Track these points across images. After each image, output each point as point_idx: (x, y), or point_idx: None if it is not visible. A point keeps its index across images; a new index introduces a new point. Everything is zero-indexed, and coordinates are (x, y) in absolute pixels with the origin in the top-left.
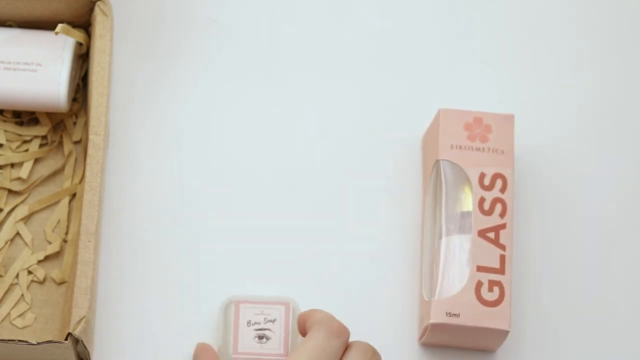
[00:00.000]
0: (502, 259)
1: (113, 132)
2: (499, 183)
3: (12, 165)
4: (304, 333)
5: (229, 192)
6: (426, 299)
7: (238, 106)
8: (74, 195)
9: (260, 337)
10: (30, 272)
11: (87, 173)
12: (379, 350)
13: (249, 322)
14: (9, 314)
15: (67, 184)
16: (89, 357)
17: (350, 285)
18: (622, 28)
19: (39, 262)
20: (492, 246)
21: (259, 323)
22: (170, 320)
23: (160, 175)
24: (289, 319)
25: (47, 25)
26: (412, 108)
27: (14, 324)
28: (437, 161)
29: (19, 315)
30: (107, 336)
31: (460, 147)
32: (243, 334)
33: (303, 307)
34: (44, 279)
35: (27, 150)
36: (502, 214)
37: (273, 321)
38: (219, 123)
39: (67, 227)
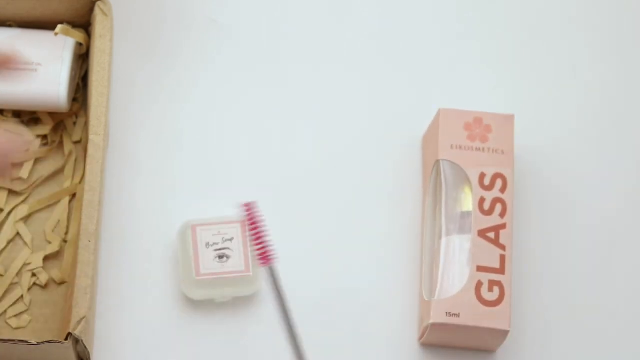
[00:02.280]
0: (502, 259)
1: (113, 132)
2: (499, 183)
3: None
4: None
5: (229, 192)
6: (426, 299)
7: (238, 106)
8: (74, 195)
9: (221, 257)
10: (34, 275)
11: (87, 173)
12: (379, 350)
13: (207, 244)
14: (5, 311)
15: (67, 184)
16: (89, 357)
17: (350, 285)
18: (622, 28)
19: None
20: (492, 246)
21: (217, 243)
22: (170, 320)
23: (160, 175)
24: (246, 236)
25: (47, 25)
26: (412, 108)
27: (8, 323)
28: (437, 161)
29: (15, 316)
30: (107, 336)
31: (460, 147)
32: (203, 256)
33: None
34: (46, 284)
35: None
36: (502, 214)
37: (231, 240)
38: (219, 123)
39: (67, 227)
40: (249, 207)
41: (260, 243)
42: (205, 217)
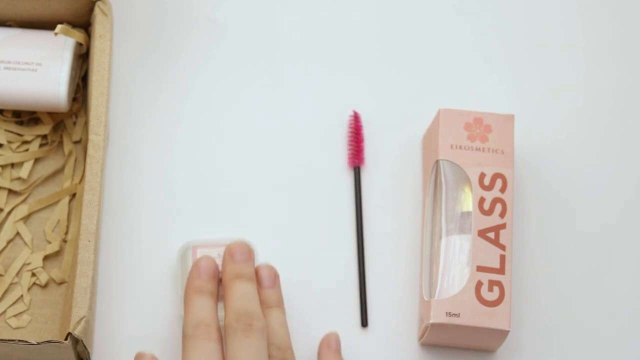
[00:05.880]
0: (502, 259)
1: (113, 132)
2: (499, 183)
3: (12, 165)
4: None
5: (229, 192)
6: (426, 299)
7: (238, 106)
8: (73, 195)
9: (220, 279)
10: (34, 274)
11: (87, 173)
12: (379, 350)
13: None
14: (5, 312)
15: (67, 184)
16: (89, 357)
17: (350, 285)
18: (623, 28)
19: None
20: (492, 246)
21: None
22: (171, 320)
23: (159, 175)
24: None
25: (47, 25)
26: (412, 108)
27: (8, 323)
28: (437, 161)
29: (14, 315)
30: (107, 336)
31: (460, 147)
32: None
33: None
34: (46, 284)
35: (27, 150)
36: (502, 214)
37: None
38: (219, 123)
39: (67, 227)
40: (356, 115)
41: (355, 146)
42: (207, 237)
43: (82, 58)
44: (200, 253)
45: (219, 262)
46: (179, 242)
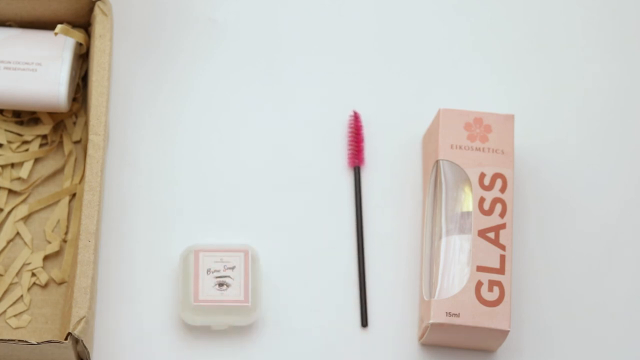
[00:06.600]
0: (502, 259)
1: (113, 132)
2: (499, 183)
3: (12, 165)
4: None
5: (229, 191)
6: (426, 299)
7: (237, 106)
8: (74, 195)
9: (221, 285)
10: (34, 274)
11: (87, 173)
12: (379, 350)
13: (208, 270)
14: (5, 311)
15: (67, 184)
16: (89, 357)
17: (350, 285)
18: (623, 28)
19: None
20: (492, 246)
21: (218, 271)
22: (171, 320)
23: (159, 175)
24: (248, 266)
25: (47, 25)
26: (412, 108)
27: (8, 323)
28: (437, 161)
29: (15, 315)
30: (107, 336)
31: (460, 147)
32: (203, 282)
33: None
34: (46, 284)
35: (27, 150)
36: (502, 214)
37: (232, 268)
38: (219, 123)
39: (67, 227)
40: (356, 115)
41: (355, 146)
42: (209, 242)
43: (82, 58)
44: (202, 257)
45: (219, 267)
46: (179, 242)
